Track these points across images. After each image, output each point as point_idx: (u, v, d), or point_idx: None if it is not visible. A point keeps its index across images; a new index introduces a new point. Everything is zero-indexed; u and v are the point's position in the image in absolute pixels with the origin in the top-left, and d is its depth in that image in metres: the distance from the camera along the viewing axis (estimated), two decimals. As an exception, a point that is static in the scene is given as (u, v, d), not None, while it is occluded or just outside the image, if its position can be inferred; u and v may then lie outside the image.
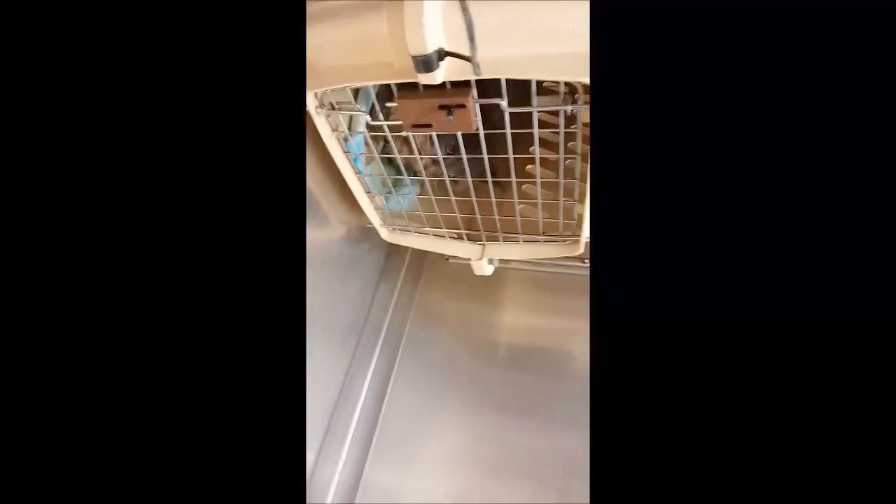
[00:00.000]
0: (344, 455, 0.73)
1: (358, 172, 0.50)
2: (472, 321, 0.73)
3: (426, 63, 0.33)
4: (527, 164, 0.51)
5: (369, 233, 0.73)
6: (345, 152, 0.48)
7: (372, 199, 0.54)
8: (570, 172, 0.45)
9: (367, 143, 0.48)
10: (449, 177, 0.48)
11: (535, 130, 0.39)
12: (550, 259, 0.71)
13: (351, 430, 0.74)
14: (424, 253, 0.81)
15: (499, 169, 0.45)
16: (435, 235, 0.57)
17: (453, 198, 0.49)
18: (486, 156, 0.42)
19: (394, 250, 0.81)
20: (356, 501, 0.70)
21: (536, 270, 0.73)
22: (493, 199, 0.47)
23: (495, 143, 0.42)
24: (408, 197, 0.55)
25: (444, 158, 0.46)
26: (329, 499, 0.70)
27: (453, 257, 0.77)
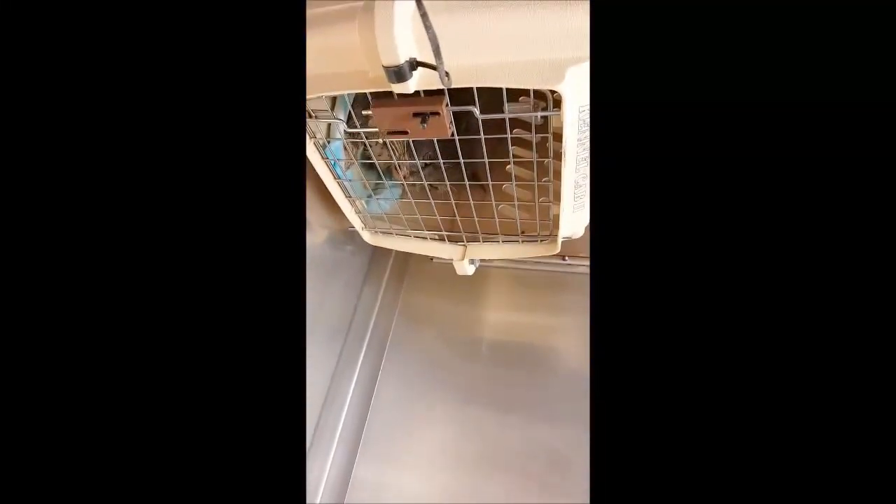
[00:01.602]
0: (332, 454, 0.73)
1: (338, 178, 0.51)
2: (456, 320, 0.74)
3: (398, 73, 0.34)
4: (506, 166, 0.52)
5: (352, 236, 0.74)
6: (324, 158, 0.49)
7: (353, 203, 0.55)
8: (544, 172, 0.46)
9: (345, 149, 0.49)
10: (428, 182, 0.49)
11: (508, 135, 0.40)
12: (532, 258, 0.72)
13: (339, 430, 0.75)
14: (408, 254, 0.82)
15: (478, 172, 0.46)
16: (416, 237, 0.57)
17: (433, 201, 0.50)
18: (462, 160, 0.43)
19: (378, 252, 0.82)
20: (345, 500, 0.71)
21: (518, 268, 0.74)
22: (472, 202, 0.48)
23: (474, 146, 0.43)
24: (389, 200, 0.56)
25: (422, 165, 0.47)
26: (319, 498, 0.71)
27: (436, 258, 0.78)
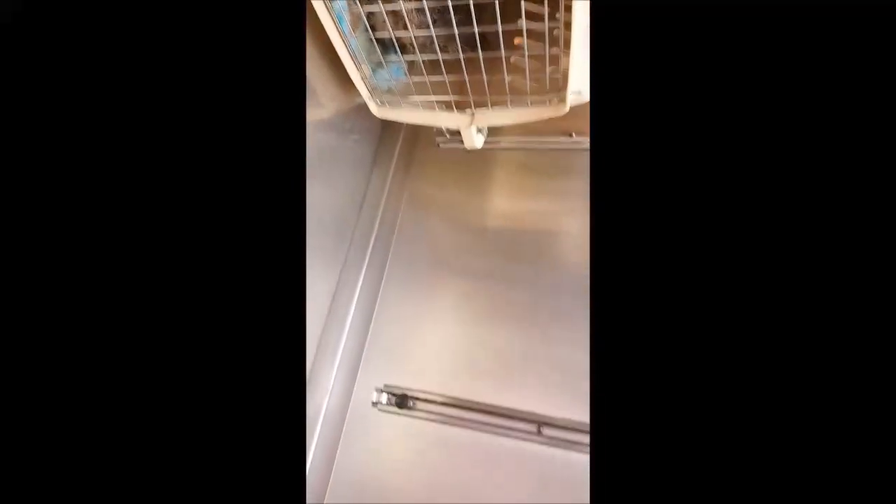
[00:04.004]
0: (342, 347, 0.75)
1: (343, 35, 0.50)
2: (463, 207, 0.75)
3: None
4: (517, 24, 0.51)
5: (360, 123, 0.73)
6: (330, 13, 0.48)
7: (359, 67, 0.54)
8: (556, 26, 0.45)
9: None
10: (437, 37, 0.49)
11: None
12: (538, 137, 0.72)
13: (348, 324, 0.76)
14: (414, 142, 0.81)
15: (488, 36, 0.46)
16: (425, 107, 0.57)
17: (441, 57, 0.50)
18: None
19: (384, 142, 0.82)
20: (353, 391, 0.73)
21: (525, 148, 0.74)
22: (481, 54, 0.48)
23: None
24: (396, 70, 0.56)
25: (433, 19, 0.46)
26: (331, 381, 0.73)
27: (441, 136, 0.77)
